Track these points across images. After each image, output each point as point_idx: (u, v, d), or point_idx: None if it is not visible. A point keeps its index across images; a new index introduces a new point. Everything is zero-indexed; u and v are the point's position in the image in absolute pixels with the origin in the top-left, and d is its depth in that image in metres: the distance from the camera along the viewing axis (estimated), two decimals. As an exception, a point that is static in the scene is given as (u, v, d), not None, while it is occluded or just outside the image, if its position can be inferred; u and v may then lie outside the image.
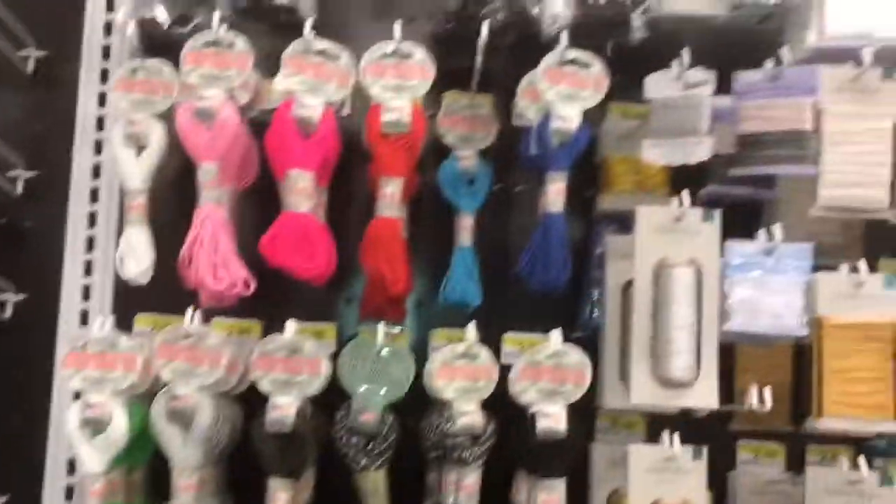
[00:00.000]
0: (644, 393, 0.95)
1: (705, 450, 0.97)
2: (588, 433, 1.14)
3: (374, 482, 0.98)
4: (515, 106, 1.16)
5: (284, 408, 0.95)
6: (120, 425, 0.95)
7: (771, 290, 0.97)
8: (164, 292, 1.08)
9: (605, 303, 1.08)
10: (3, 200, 1.17)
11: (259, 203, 1.12)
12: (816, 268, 0.99)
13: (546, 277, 1.03)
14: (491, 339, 1.04)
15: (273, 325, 1.12)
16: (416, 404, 1.04)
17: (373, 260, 1.01)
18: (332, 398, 1.00)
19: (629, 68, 1.08)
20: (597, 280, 1.14)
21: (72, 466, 1.13)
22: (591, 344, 1.05)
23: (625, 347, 1.05)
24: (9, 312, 1.16)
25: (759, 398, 0.97)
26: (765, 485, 1.14)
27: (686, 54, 1.00)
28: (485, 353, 1.00)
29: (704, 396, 0.95)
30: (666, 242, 0.96)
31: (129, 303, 1.15)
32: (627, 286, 1.06)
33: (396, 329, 1.12)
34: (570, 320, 1.14)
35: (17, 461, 1.15)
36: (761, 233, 0.98)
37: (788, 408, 1.12)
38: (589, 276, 1.16)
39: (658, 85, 1.02)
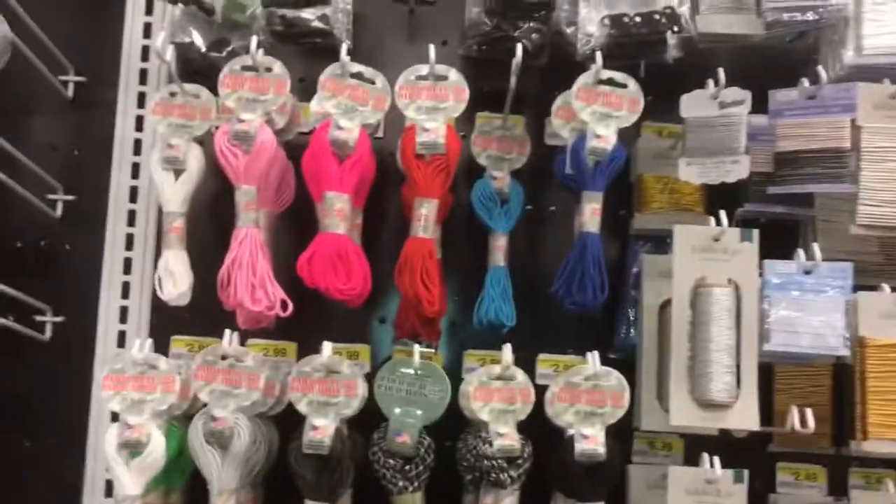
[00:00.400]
0: (684, 415, 0.94)
1: (747, 473, 0.95)
2: (625, 455, 1.13)
3: (412, 504, 0.98)
4: (548, 126, 1.16)
5: (322, 429, 0.95)
6: (158, 447, 0.95)
7: (811, 309, 0.95)
8: (200, 314, 1.10)
9: (641, 323, 1.07)
10: (43, 223, 1.19)
11: (295, 225, 1.13)
12: (856, 287, 0.97)
13: (582, 298, 1.02)
14: (523, 360, 1.03)
15: (307, 346, 1.13)
16: (452, 426, 1.04)
17: (408, 281, 1.01)
18: (367, 419, 1.00)
19: (662, 87, 1.08)
20: (632, 300, 1.13)
21: (109, 487, 1.14)
22: (625, 365, 1.04)
23: (662, 368, 1.04)
24: (48, 334, 1.17)
25: (800, 420, 0.95)
26: (806, 507, 1.12)
27: (721, 73, 0.99)
28: (521, 375, 1.00)
29: (745, 418, 0.93)
30: (704, 262, 0.95)
31: (166, 325, 1.16)
32: (664, 306, 1.05)
33: (430, 350, 1.13)
34: (603, 341, 1.13)
35: (54, 482, 1.16)
36: (800, 252, 0.97)
37: (829, 429, 1.11)
38: (623, 296, 1.15)
39: (693, 104, 1.02)
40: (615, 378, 0.98)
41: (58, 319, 1.18)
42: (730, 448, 1.00)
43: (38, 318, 1.17)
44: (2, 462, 1.17)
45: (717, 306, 0.95)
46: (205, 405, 0.97)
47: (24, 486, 1.17)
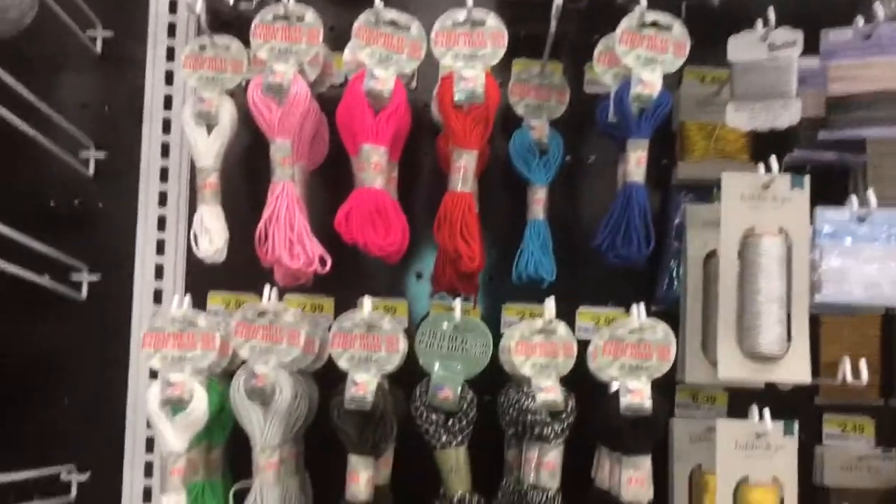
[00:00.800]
0: (732, 368, 0.92)
1: (797, 425, 0.93)
2: (668, 408, 1.11)
3: (455, 459, 0.97)
4: (587, 72, 1.13)
5: (363, 385, 0.94)
6: (201, 404, 0.95)
7: (864, 258, 0.92)
8: (236, 270, 1.08)
9: (684, 275, 1.05)
10: (75, 181, 1.18)
11: (327, 181, 1.12)
12: (910, 235, 0.94)
13: (627, 251, 1.00)
14: (562, 314, 1.01)
15: (344, 302, 1.12)
16: (493, 380, 1.02)
17: (447, 236, 0.99)
18: (408, 375, 0.99)
19: (704, 30, 1.04)
20: (674, 252, 1.11)
21: (150, 444, 1.15)
22: (667, 318, 1.02)
23: (706, 321, 1.02)
24: (84, 293, 1.17)
25: (852, 371, 0.93)
26: (854, 460, 1.10)
27: (772, 13, 0.95)
28: (563, 329, 0.98)
29: (796, 370, 0.91)
30: (753, 211, 0.93)
31: (201, 281, 1.15)
32: (709, 257, 1.03)
33: (469, 304, 1.11)
34: (644, 294, 1.11)
35: (97, 439, 1.17)
36: (852, 199, 0.93)
37: (878, 380, 1.09)
38: (665, 248, 1.13)
39: (741, 46, 0.98)
40: (661, 331, 0.96)
41: (93, 278, 1.17)
42: (775, 401, 0.98)
43: (74, 276, 1.16)
44: (43, 420, 1.18)
45: (766, 256, 0.92)
46: (245, 362, 0.96)
47: (65, 444, 1.18)
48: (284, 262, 0.96)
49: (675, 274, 1.11)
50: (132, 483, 1.15)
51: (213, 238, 1.01)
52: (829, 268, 0.93)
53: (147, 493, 1.15)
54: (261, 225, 0.96)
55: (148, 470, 1.15)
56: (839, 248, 0.93)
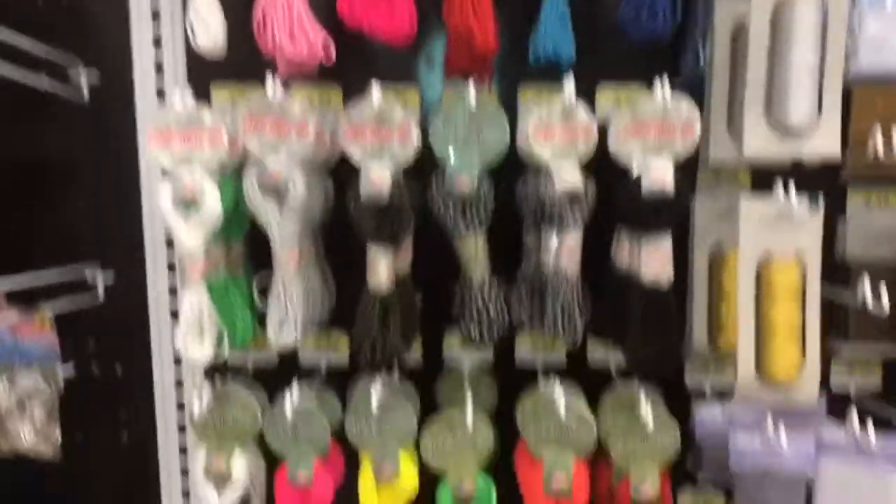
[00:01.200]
0: (758, 143, 0.88)
1: (822, 199, 0.91)
2: (691, 188, 1.09)
3: (474, 247, 0.97)
4: None
5: (378, 177, 0.92)
6: (213, 201, 0.94)
7: (906, 22, 0.86)
8: (238, 62, 1.03)
9: (711, 48, 0.98)
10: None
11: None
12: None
13: (652, 24, 0.94)
14: (581, 94, 0.96)
15: (352, 93, 1.07)
16: (512, 167, 1.00)
17: (458, 13, 0.92)
18: (424, 166, 0.97)
19: None
20: (700, 25, 1.03)
21: (171, 243, 1.15)
22: (692, 97, 0.97)
23: (733, 95, 0.97)
24: (85, 95, 1.13)
25: (885, 143, 0.89)
26: (878, 232, 1.09)
27: None
28: (583, 111, 0.94)
29: (826, 144, 0.88)
30: (789, -27, 0.85)
31: (203, 75, 1.10)
32: (737, 30, 0.96)
33: (484, 88, 1.06)
34: (666, 71, 1.05)
35: (117, 240, 1.18)
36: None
37: (908, 151, 1.05)
38: (690, 21, 1.05)
39: None
40: (685, 107, 0.91)
41: (93, 77, 1.13)
42: (800, 174, 0.95)
43: (72, 73, 1.12)
44: (61, 224, 1.19)
45: (800, 22, 0.86)
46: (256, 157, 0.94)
47: (87, 246, 1.19)
48: (286, 49, 0.90)
49: (699, 49, 1.04)
50: (156, 281, 1.16)
51: (209, 29, 0.95)
52: (867, 35, 0.87)
53: (173, 291, 1.17)
54: (257, 9, 0.90)
55: (171, 268, 1.16)
56: (879, 12, 0.87)
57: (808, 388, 0.92)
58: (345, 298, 1.09)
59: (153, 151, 0.94)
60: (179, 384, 1.20)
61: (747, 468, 0.97)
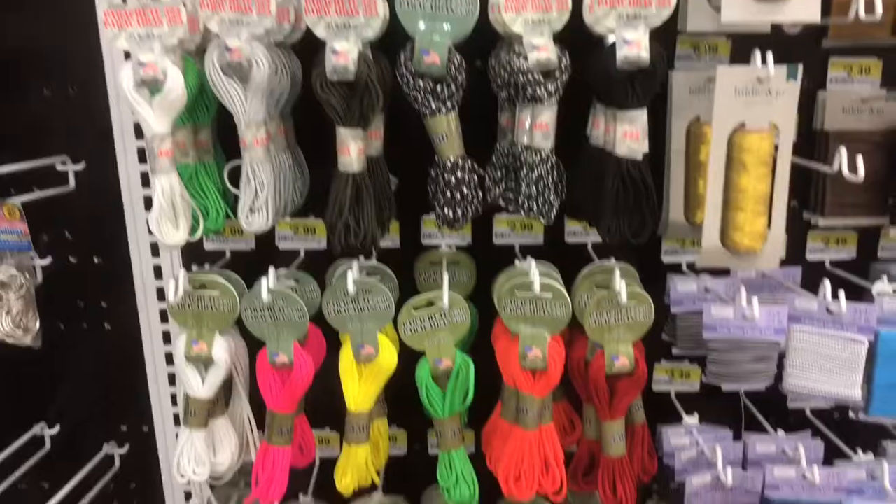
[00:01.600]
0: (737, 9, 0.85)
1: (800, 69, 0.89)
2: (668, 60, 1.06)
3: (446, 125, 0.94)
4: None
5: (344, 54, 0.89)
6: (177, 83, 0.91)
7: None
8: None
9: None
10: None
11: None
12: None
13: None
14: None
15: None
16: (483, 42, 0.97)
17: None
18: (393, 42, 0.93)
19: None
20: None
21: (139, 130, 1.13)
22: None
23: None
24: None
25: (866, 5, 0.86)
26: (857, 102, 1.07)
27: None
28: (556, -18, 0.90)
29: (805, 8, 0.85)
30: None
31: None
32: None
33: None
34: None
35: (85, 129, 1.16)
36: None
37: (891, 17, 1.02)
38: None
39: None
40: (661, -27, 0.88)
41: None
42: (780, 46, 0.93)
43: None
44: (27, 115, 1.16)
45: None
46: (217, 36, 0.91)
47: (55, 137, 1.17)
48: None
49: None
50: (128, 169, 1.15)
51: None
52: None
53: (144, 177, 1.15)
54: None
55: (142, 156, 1.14)
56: None
57: (771, 257, 0.93)
58: (323, 184, 1.07)
59: (110, 31, 0.91)
60: (159, 272, 1.20)
61: (720, 338, 0.99)
